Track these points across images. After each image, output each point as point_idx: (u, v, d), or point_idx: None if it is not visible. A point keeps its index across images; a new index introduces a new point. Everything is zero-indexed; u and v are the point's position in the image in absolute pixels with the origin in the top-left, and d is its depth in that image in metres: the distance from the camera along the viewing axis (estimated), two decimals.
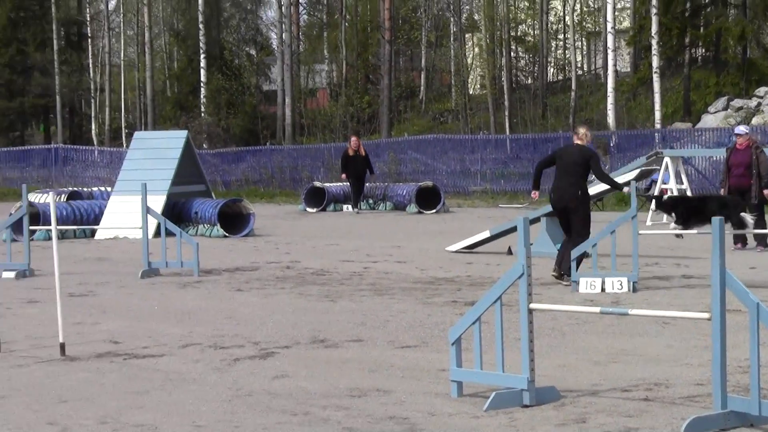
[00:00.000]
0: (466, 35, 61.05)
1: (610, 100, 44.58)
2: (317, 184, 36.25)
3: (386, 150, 43.94)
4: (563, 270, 15.41)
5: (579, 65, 58.33)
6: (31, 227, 18.09)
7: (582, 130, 15.85)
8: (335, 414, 7.97)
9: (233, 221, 25.11)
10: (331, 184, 35.97)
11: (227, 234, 24.41)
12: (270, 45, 68.35)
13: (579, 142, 15.68)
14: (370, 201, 34.43)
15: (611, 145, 39.61)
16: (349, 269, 17.63)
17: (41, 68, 63.35)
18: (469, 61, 60.29)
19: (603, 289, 14.52)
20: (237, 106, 57.87)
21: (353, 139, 33.82)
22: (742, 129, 21.18)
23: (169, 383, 9.14)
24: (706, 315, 7.39)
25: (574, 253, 14.84)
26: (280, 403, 8.35)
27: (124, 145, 54.33)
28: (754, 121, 39.80)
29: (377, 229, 26.57)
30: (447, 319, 12.24)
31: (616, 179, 17.24)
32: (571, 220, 15.46)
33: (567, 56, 59.91)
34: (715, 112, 42.32)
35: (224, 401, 8.44)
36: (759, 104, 41.67)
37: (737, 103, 42.02)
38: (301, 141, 54.25)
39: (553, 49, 61.88)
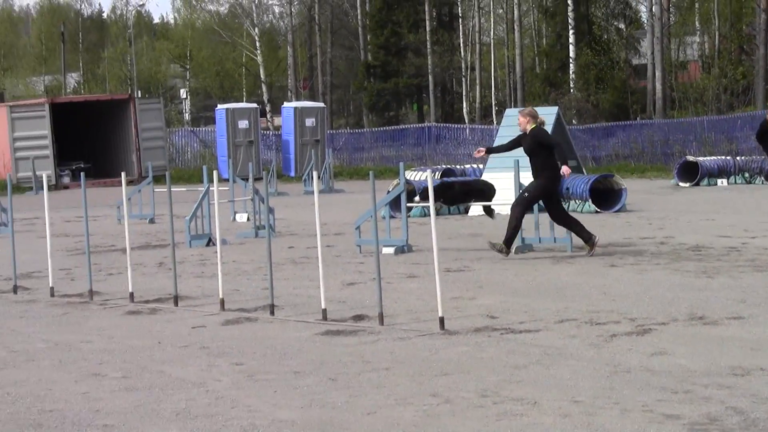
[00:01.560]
0: None
1: None
2: (690, 158, 35.47)
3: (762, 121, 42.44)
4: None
5: None
6: (408, 204, 18.60)
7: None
8: (717, 393, 7.80)
9: (604, 196, 24.95)
10: (705, 158, 35.10)
11: (599, 209, 24.29)
12: (639, 18, 67.40)
13: None
14: (746, 175, 33.37)
15: None
16: (726, 244, 17.16)
17: (414, 49, 64.98)
18: None
19: None
20: (606, 81, 57.39)
21: None
22: None
23: (547, 358, 9.20)
24: None
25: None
26: (660, 380, 8.25)
27: (494, 123, 54.97)
28: None
29: (755, 204, 25.74)
30: None
31: None
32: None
33: None
34: None
35: (602, 377, 8.42)
36: None
37: None
38: (672, 115, 53.21)
39: None
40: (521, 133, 16.60)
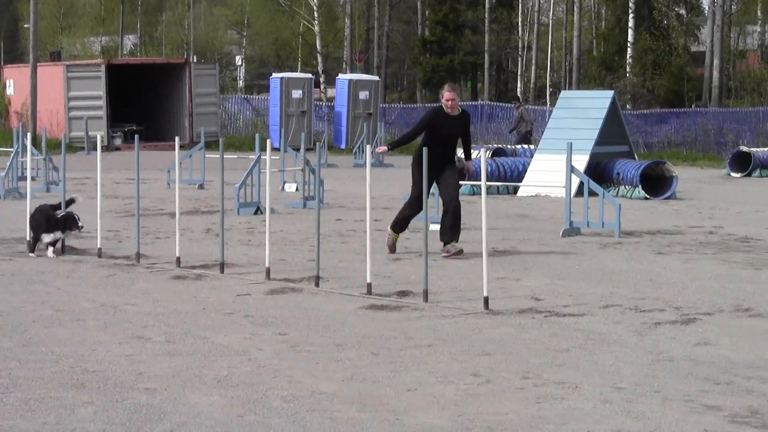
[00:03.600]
0: None
1: None
2: (743, 148, 35.18)
3: None
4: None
5: None
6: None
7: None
8: (760, 385, 7.76)
9: (655, 183, 24.80)
10: (759, 149, 34.80)
11: (648, 196, 24.16)
12: (701, 5, 66.74)
13: None
14: None
15: None
16: None
17: (472, 26, 64.73)
18: None
19: None
20: (663, 67, 56.91)
21: None
22: None
23: (590, 343, 9.18)
24: None
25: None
26: (702, 370, 8.21)
27: (548, 104, 54.72)
28: None
29: None
30: None
31: None
32: None
33: None
34: None
35: (644, 365, 8.39)
36: None
37: None
38: (728, 104, 52.76)
39: None
40: (440, 113, 14.50)
